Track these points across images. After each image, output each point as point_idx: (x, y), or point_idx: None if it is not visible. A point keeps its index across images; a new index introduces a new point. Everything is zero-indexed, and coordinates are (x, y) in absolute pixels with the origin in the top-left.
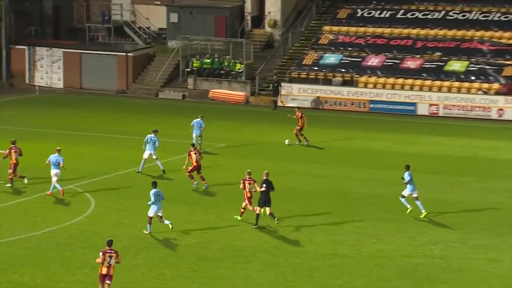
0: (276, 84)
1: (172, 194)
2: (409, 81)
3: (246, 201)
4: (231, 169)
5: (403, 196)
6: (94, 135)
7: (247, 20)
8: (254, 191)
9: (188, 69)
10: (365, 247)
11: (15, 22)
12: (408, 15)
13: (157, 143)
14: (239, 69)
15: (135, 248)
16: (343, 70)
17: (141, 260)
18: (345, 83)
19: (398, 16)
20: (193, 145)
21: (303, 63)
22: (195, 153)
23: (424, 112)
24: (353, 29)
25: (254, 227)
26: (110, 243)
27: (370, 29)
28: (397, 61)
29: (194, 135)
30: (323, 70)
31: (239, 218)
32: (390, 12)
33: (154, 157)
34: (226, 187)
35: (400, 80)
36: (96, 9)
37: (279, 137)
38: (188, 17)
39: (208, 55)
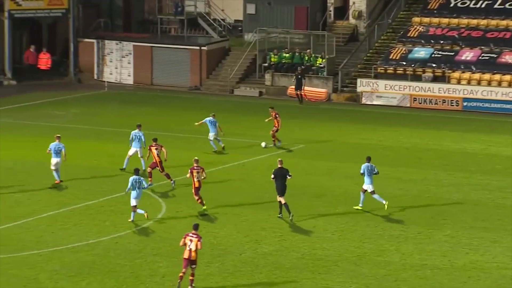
0: (299, 76)
1: (247, 198)
2: (507, 77)
3: (193, 191)
4: (309, 172)
5: (373, 193)
6: (165, 134)
7: (330, 11)
8: (203, 178)
9: (266, 64)
10: (457, 258)
11: (84, 14)
12: (507, 5)
13: (142, 137)
14: (320, 64)
15: (208, 256)
16: (434, 65)
17: (215, 269)
18: (436, 79)
19: (495, 6)
20: (154, 139)
21: (390, 57)
22: (155, 148)
23: None
24: (445, 20)
25: (279, 216)
26: (195, 227)
27: (464, 21)
28: (494, 55)
29: (211, 135)
30: (412, 65)
31: (204, 207)
32: (486, 2)
33: (139, 155)
34: (304, 190)
35: (497, 76)
36: (169, 0)
37: (363, 137)
38: (266, 8)
39: (287, 49)
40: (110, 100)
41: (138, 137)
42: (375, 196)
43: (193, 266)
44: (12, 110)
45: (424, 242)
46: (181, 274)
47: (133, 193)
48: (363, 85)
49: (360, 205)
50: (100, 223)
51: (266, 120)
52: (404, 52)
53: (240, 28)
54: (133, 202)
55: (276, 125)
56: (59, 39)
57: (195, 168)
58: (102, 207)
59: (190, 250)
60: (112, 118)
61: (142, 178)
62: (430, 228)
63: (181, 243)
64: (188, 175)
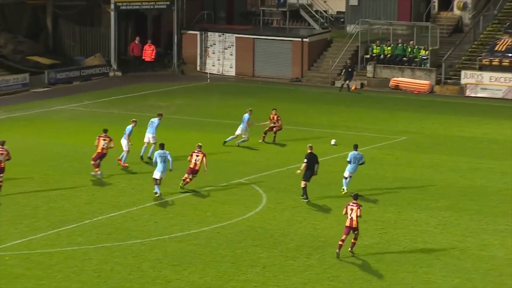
0: (350, 69)
1: (349, 190)
2: None
3: (186, 173)
4: (412, 164)
5: (346, 178)
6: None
7: (434, 2)
8: (199, 163)
9: (368, 56)
10: None
11: (187, 6)
12: None
13: (155, 125)
14: (423, 56)
15: (308, 248)
16: None
17: (315, 261)
18: None
19: None
20: (105, 130)
21: (496, 49)
22: (104, 139)
23: None
24: None
25: (305, 200)
26: (355, 197)
27: None
28: None
29: (241, 130)
30: None
31: (181, 184)
32: None
33: (152, 141)
34: (407, 183)
35: None
36: None
37: (467, 130)
38: None
39: (389, 41)
40: (212, 92)
41: (155, 124)
42: (345, 180)
43: (355, 232)
44: (118, 101)
45: None
46: (340, 243)
47: (159, 167)
48: (467, 77)
49: (344, 187)
50: (202, 213)
51: (262, 124)
52: (510, 43)
53: (342, 20)
54: (156, 175)
55: (277, 126)
56: (163, 31)
57: (196, 152)
58: (204, 197)
59: (351, 218)
60: (214, 110)
61: (167, 152)
62: None
63: (343, 212)
64: (188, 158)
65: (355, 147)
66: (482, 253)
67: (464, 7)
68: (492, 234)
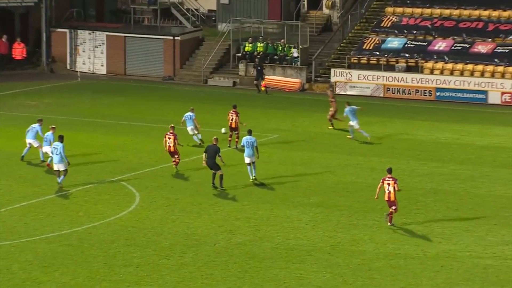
0: (259, 68)
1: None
2: (480, 67)
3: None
4: (283, 162)
5: (249, 165)
6: (139, 124)
7: (304, 1)
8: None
9: (239, 54)
10: (430, 247)
11: (56, 3)
12: None
13: (35, 130)
14: (293, 54)
15: (182, 246)
16: (407, 55)
17: (188, 259)
18: (409, 69)
19: None
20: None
21: (364, 47)
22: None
23: (496, 101)
24: (418, 10)
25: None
26: (390, 171)
27: (437, 11)
28: (467, 45)
29: (189, 129)
30: (385, 55)
31: (176, 169)
32: None
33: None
34: (280, 180)
35: (469, 66)
36: None
37: (337, 128)
38: None
39: (261, 38)
40: (83, 90)
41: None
42: (249, 167)
43: (393, 207)
44: None
45: (397, 232)
46: (390, 215)
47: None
48: (336, 75)
49: (251, 176)
50: (73, 213)
51: (244, 124)
52: (377, 42)
53: (213, 18)
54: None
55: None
56: (31, 29)
57: (168, 134)
58: (75, 197)
59: (389, 192)
60: (85, 108)
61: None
62: (403, 217)
63: (378, 186)
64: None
65: (249, 132)
66: (353, 248)
67: (332, 6)
68: (362, 229)
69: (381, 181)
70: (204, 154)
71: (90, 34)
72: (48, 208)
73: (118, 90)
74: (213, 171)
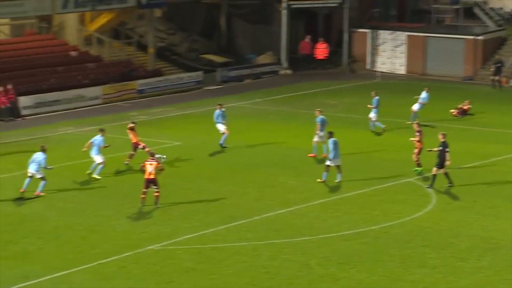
0: (499, 64)
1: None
2: None
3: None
4: None
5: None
6: (437, 125)
7: None
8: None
9: None
10: None
11: (358, 4)
12: None
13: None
14: None
15: (479, 249)
16: None
17: (486, 263)
18: None
19: None
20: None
21: None
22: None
23: None
24: None
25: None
26: None
27: None
28: None
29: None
30: None
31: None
32: None
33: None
34: None
35: None
36: None
37: None
38: None
39: None
40: (381, 90)
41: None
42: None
43: None
44: (287, 99)
45: None
46: None
47: (331, 154)
48: None
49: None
50: (370, 212)
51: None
52: None
53: None
54: (328, 162)
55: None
56: (333, 29)
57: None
58: (372, 196)
59: None
60: (382, 108)
61: (337, 140)
62: None
63: None
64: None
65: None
66: None
67: None
68: None
69: None
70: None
71: (390, 34)
72: (345, 206)
73: (417, 90)
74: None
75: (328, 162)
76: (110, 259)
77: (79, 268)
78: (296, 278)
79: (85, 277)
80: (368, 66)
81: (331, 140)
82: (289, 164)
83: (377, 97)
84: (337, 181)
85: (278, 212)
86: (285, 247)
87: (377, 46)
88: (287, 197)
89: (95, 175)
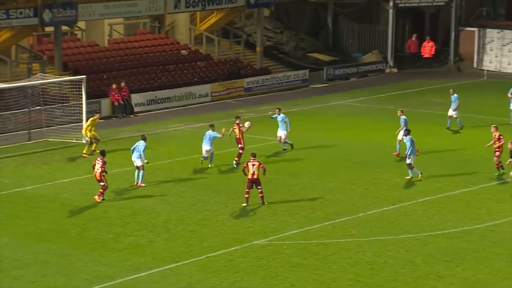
0: None
1: None
2: None
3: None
4: None
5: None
6: None
7: None
8: None
9: None
10: None
11: (466, 2)
12: None
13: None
14: None
15: None
16: None
17: None
18: None
19: None
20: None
21: None
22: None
23: None
24: None
25: None
26: None
27: None
28: None
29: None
30: None
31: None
32: None
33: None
34: None
35: None
36: None
37: None
38: None
39: None
40: (488, 89)
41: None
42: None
43: None
44: (393, 97)
45: None
46: None
47: (409, 151)
48: None
49: None
50: (475, 210)
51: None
52: None
53: None
54: (408, 160)
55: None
56: (440, 28)
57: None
58: (477, 194)
59: None
60: (490, 107)
61: (413, 138)
62: None
63: None
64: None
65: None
66: None
67: None
68: None
69: None
70: None
71: (498, 33)
72: (450, 204)
73: None
74: None
75: (408, 160)
76: (218, 252)
77: (189, 261)
78: (400, 275)
79: (194, 269)
80: (475, 65)
81: (408, 138)
82: (393, 162)
83: (455, 95)
84: (408, 177)
85: (383, 209)
86: (389, 244)
87: (485, 44)
88: (392, 194)
89: (210, 164)
